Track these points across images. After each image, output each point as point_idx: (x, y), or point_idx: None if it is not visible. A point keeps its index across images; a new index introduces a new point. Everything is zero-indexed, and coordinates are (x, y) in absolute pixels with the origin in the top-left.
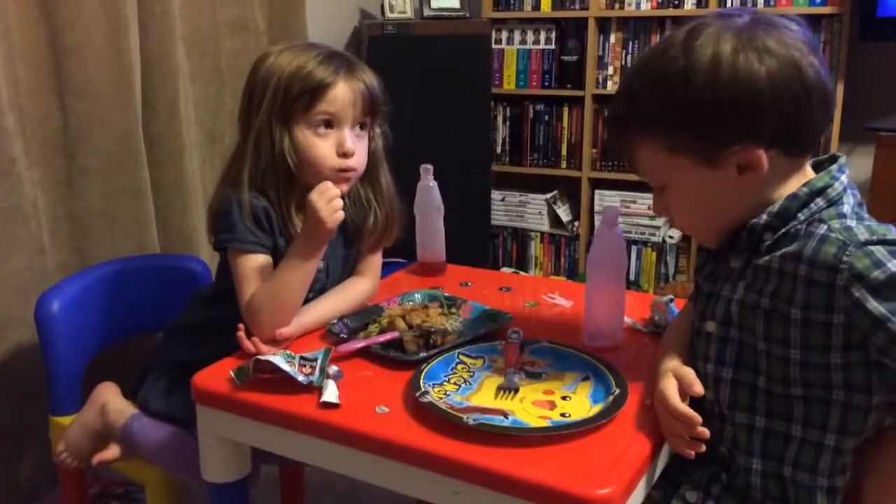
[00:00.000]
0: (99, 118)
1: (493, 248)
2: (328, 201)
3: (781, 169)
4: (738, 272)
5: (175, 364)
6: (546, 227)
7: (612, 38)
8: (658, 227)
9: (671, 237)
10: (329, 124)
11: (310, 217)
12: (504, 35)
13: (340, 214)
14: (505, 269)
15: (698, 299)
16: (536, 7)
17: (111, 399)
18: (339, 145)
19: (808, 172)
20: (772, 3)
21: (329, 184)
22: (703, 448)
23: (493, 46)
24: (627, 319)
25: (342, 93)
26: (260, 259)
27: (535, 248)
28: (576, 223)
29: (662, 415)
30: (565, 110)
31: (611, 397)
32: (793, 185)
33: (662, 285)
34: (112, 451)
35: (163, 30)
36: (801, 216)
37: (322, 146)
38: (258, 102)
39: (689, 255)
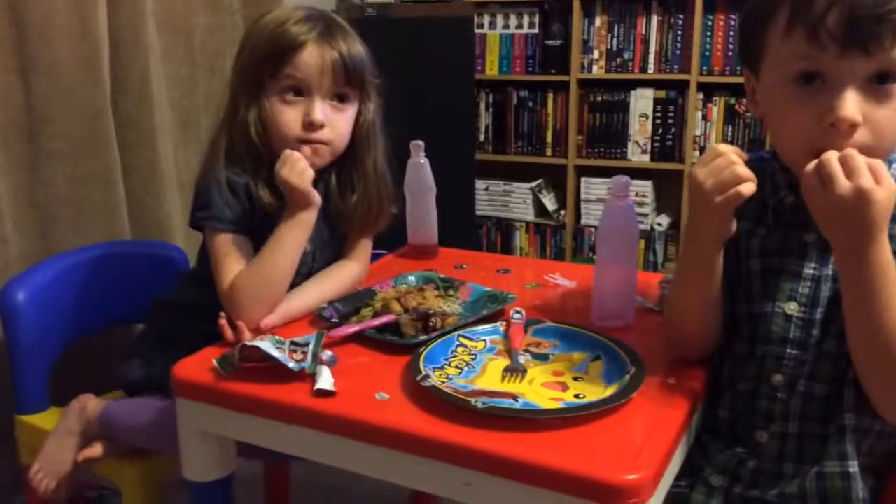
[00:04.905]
0: (65, 98)
1: (477, 239)
2: (292, 166)
3: None
4: (815, 247)
5: (160, 340)
6: (531, 217)
7: (598, 21)
8: (646, 215)
9: (660, 224)
10: (298, 91)
11: (285, 190)
12: (486, 19)
13: (310, 172)
14: None
15: (767, 278)
16: None
17: (90, 399)
18: (307, 114)
19: None
20: None
21: (289, 151)
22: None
23: (476, 31)
24: (637, 298)
25: (310, 58)
26: (238, 239)
27: (520, 238)
28: (562, 212)
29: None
30: (550, 96)
31: (627, 376)
32: None
33: (663, 269)
34: (96, 449)
35: (132, 4)
36: None
37: (287, 113)
38: (236, 67)
39: (678, 244)
